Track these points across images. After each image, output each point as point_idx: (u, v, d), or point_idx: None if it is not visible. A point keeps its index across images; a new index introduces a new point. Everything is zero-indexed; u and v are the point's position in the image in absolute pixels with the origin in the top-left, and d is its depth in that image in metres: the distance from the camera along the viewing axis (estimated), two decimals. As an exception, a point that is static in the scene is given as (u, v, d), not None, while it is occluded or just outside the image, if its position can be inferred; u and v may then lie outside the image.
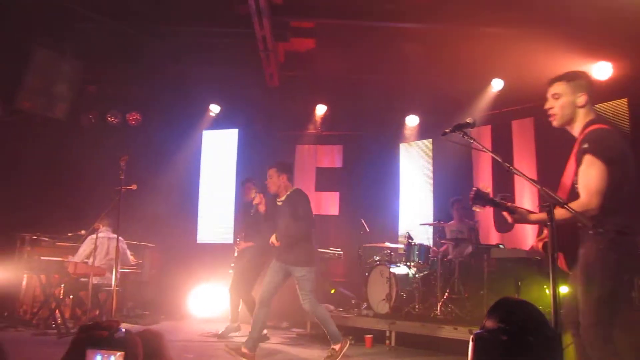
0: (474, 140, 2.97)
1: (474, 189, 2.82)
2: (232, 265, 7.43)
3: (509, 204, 2.89)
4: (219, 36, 8.24)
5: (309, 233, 5.50)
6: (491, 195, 2.85)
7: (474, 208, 2.87)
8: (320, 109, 9.52)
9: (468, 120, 2.97)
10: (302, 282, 5.37)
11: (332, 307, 7.76)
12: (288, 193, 5.57)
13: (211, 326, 7.37)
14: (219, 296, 8.23)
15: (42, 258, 6.95)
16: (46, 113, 8.21)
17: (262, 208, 5.81)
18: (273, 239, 5.52)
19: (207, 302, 8.48)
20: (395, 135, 9.60)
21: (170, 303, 8.59)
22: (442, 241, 7.68)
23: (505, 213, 2.92)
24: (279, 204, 5.63)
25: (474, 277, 6.83)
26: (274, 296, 5.48)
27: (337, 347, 5.32)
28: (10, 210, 7.77)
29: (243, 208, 7.58)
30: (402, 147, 9.72)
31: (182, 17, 7.86)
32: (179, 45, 8.48)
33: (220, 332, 6.84)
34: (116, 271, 6.58)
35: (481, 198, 2.83)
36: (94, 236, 7.22)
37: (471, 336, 1.83)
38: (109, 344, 1.20)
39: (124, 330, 1.24)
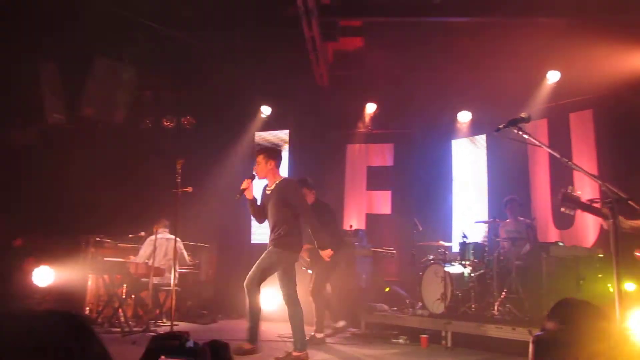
0: (530, 135, 2.89)
1: (562, 191, 2.73)
2: (304, 268, 7.29)
3: (602, 208, 2.76)
4: (267, 38, 8.34)
5: (300, 220, 5.45)
6: (581, 199, 2.74)
7: (562, 210, 2.77)
8: (370, 108, 9.48)
9: (523, 114, 2.90)
10: (284, 271, 5.34)
11: (386, 307, 7.71)
12: (277, 182, 5.49)
13: (269, 326, 7.46)
14: (274, 296, 8.33)
15: (105, 259, 7.23)
16: (107, 119, 8.54)
17: (249, 195, 5.47)
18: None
19: (263, 301, 8.57)
20: (447, 131, 9.43)
21: (227, 302, 8.76)
22: (498, 239, 7.49)
23: (600, 218, 2.79)
24: (268, 192, 5.54)
25: (533, 276, 6.63)
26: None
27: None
28: (75, 214, 8.15)
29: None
30: (455, 143, 9.54)
31: (231, 21, 8.00)
32: (230, 49, 8.63)
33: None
34: (175, 271, 6.77)
35: (571, 201, 2.73)
36: (153, 238, 7.48)
37: (531, 338, 1.78)
38: (181, 353, 1.26)
39: (192, 340, 1.30)
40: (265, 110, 9.74)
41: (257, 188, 5.59)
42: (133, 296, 7.64)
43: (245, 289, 5.34)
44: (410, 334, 6.76)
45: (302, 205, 5.45)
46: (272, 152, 5.59)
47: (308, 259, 7.15)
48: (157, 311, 7.75)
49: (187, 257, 8.15)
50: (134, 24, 7.64)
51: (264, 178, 5.55)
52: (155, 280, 7.27)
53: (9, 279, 7.52)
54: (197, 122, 9.72)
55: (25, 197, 8.08)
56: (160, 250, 7.74)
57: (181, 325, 7.55)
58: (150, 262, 7.42)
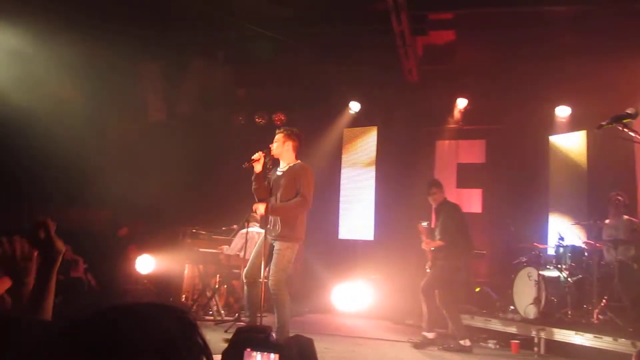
0: (637, 133, 2.68)
1: None
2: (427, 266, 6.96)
3: None
4: (356, 35, 8.35)
5: (304, 210, 5.23)
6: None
7: None
8: (461, 103, 9.20)
9: (629, 110, 2.69)
10: (278, 256, 5.11)
11: (475, 309, 7.49)
12: (291, 164, 5.31)
13: (356, 322, 7.50)
14: (361, 292, 8.37)
15: (200, 250, 7.59)
16: (202, 116, 8.95)
17: (257, 167, 5.24)
18: (258, 207, 5.19)
19: (350, 297, 8.64)
20: (544, 127, 8.94)
21: (314, 297, 8.89)
22: (597, 244, 6.98)
23: None
24: (279, 172, 5.35)
25: (638, 283, 6.15)
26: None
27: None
28: (173, 207, 8.62)
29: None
30: (552, 139, 9.04)
31: (321, 18, 8.09)
32: (319, 46, 8.73)
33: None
34: (264, 263, 6.96)
35: None
36: (244, 231, 7.73)
37: (635, 351, 1.65)
38: (266, 346, 1.25)
39: (274, 334, 1.30)
40: (354, 107, 9.73)
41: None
42: (225, 286, 7.95)
43: (274, 292, 5.09)
44: (500, 339, 6.53)
45: (305, 193, 5.18)
46: (292, 133, 5.41)
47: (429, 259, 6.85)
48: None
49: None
50: (229, 24, 7.93)
51: (277, 157, 5.38)
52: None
53: (114, 265, 8.12)
54: (287, 119, 9.92)
55: (128, 190, 8.65)
56: (252, 242, 7.97)
57: (270, 317, 7.77)
58: (242, 254, 7.69)
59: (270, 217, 5.28)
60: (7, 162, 7.86)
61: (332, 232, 9.91)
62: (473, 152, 9.61)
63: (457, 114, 9.34)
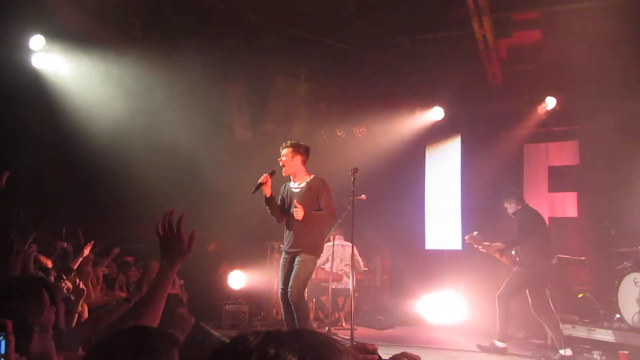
0: None
1: None
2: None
3: None
4: (436, 42, 8.43)
5: (332, 222, 5.38)
6: None
7: None
8: (550, 103, 8.99)
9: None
10: (300, 268, 5.16)
11: (576, 318, 7.30)
12: (308, 179, 5.39)
13: (446, 334, 7.52)
14: (451, 303, 8.35)
15: (289, 264, 7.87)
16: (286, 132, 9.34)
17: (267, 191, 5.31)
18: (298, 211, 5.12)
19: (439, 309, 8.63)
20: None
21: (402, 308, 8.96)
22: None
23: None
24: (295, 189, 5.40)
25: None
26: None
27: None
28: (260, 222, 9.00)
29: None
30: (653, 137, 8.65)
31: (397, 28, 8.25)
32: (397, 56, 8.88)
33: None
34: (353, 277, 7.17)
35: None
36: (330, 244, 7.97)
37: None
38: None
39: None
40: (437, 114, 9.74)
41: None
42: (314, 300, 8.20)
43: (295, 303, 5.17)
44: (605, 349, 6.35)
45: (330, 206, 5.34)
46: (299, 147, 5.46)
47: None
48: (336, 315, 8.23)
49: (361, 263, 8.54)
50: (309, 41, 8.27)
51: (289, 174, 5.46)
52: (334, 285, 7.74)
53: (208, 281, 8.58)
54: (368, 131, 10.10)
55: (216, 206, 9.12)
56: (337, 256, 8.23)
57: (359, 330, 7.93)
58: (328, 268, 7.93)
59: (290, 232, 5.41)
60: (107, 182, 8.57)
61: (418, 243, 9.96)
62: (565, 154, 9.37)
63: (545, 115, 9.15)
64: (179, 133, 8.59)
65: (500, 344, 6.45)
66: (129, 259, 8.38)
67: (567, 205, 9.27)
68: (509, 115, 9.45)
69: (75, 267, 5.54)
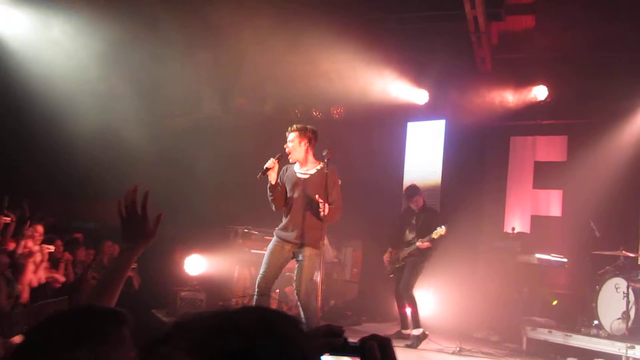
0: None
1: None
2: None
3: None
4: (422, 21, 8.32)
5: (338, 218, 5.32)
6: None
7: None
8: (540, 95, 8.97)
9: None
10: (308, 265, 5.12)
11: (552, 323, 7.35)
12: (319, 167, 5.23)
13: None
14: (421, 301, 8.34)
15: (252, 251, 7.74)
16: (258, 109, 9.16)
17: (273, 177, 5.19)
18: (326, 206, 4.99)
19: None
20: (635, 121, 8.63)
21: (372, 304, 8.92)
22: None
23: None
24: (302, 176, 5.26)
25: None
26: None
27: None
28: (224, 204, 8.84)
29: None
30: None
31: (383, 3, 8.11)
32: (382, 33, 8.74)
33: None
34: (321, 269, 7.05)
35: None
36: (300, 230, 7.87)
37: None
38: (347, 350, 1.20)
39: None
40: (421, 97, 9.66)
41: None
42: (277, 290, 8.08)
43: (305, 304, 5.15)
44: (582, 356, 6.40)
45: (339, 201, 5.25)
46: (307, 131, 5.31)
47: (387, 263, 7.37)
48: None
49: (331, 252, 8.44)
50: (287, 10, 8.07)
51: (296, 160, 5.32)
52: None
53: (162, 267, 8.39)
54: (345, 112, 9.98)
55: (175, 186, 8.94)
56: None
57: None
58: (295, 256, 7.83)
59: (294, 221, 5.24)
60: (48, 153, 8.27)
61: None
62: (553, 149, 9.36)
63: (535, 107, 9.12)
64: (137, 104, 8.34)
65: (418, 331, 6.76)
66: (78, 236, 8.16)
67: (551, 203, 9.29)
68: (496, 104, 9.40)
69: (17, 242, 5.35)
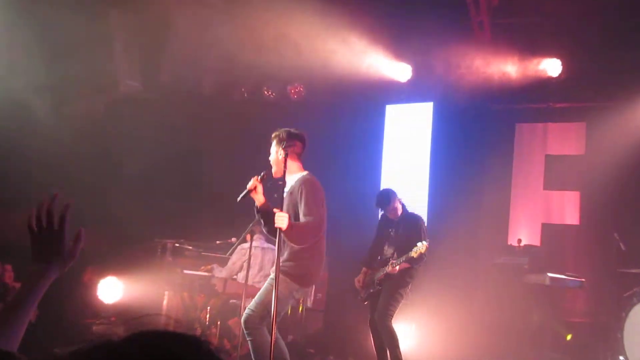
0: None
1: None
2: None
3: None
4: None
5: (316, 234, 5.28)
6: None
7: None
8: (553, 68, 9.04)
9: None
10: (268, 287, 5.31)
11: (568, 359, 7.45)
12: (295, 180, 5.41)
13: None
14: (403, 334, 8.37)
15: (185, 271, 7.64)
16: (190, 87, 9.03)
17: (258, 199, 5.29)
18: (283, 217, 5.06)
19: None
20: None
21: (340, 338, 8.89)
22: None
23: None
24: (285, 195, 5.36)
25: None
26: None
27: None
28: (151, 211, 8.69)
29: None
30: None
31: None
32: None
33: None
34: (276, 293, 6.97)
35: None
36: (245, 246, 7.76)
37: None
38: None
39: None
40: (403, 73, 9.66)
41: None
42: (219, 323, 7.98)
43: (246, 329, 5.32)
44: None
45: (311, 211, 5.25)
46: (285, 138, 5.38)
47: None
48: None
49: (290, 275, 8.38)
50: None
51: (279, 176, 5.37)
52: (249, 303, 7.55)
53: (68, 294, 8.21)
54: (307, 92, 9.93)
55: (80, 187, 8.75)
56: (255, 262, 8.04)
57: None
58: (241, 279, 7.73)
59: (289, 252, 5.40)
60: None
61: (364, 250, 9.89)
62: (568, 139, 9.50)
63: (546, 86, 9.22)
64: (32, 80, 8.15)
65: None
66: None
67: (566, 208, 9.43)
68: (497, 82, 9.46)
69: None
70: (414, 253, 6.59)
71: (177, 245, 7.97)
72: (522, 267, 8.42)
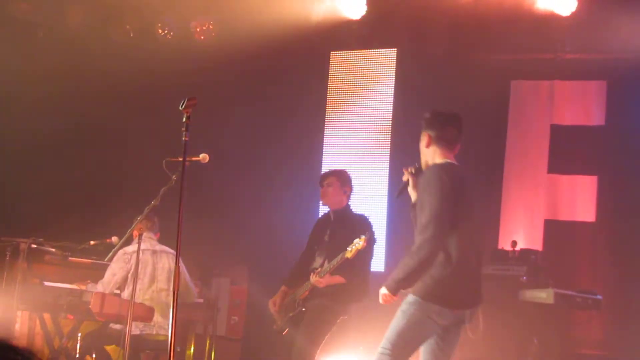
0: None
1: None
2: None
3: None
4: None
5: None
6: None
7: None
8: (561, 8, 9.17)
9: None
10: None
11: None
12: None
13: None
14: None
15: (45, 283, 7.65)
16: (53, 22, 9.03)
17: (413, 195, 5.66)
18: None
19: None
20: None
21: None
22: None
23: None
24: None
25: None
26: None
27: None
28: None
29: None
30: None
31: None
32: None
33: None
34: (174, 313, 7.09)
35: None
36: (130, 248, 7.82)
37: None
38: None
39: None
40: (355, 7, 9.80)
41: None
42: (94, 356, 8.05)
43: None
44: None
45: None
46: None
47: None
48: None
49: (193, 290, 8.48)
50: None
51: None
52: (136, 328, 7.62)
53: None
54: (217, 31, 10.00)
55: None
56: (145, 271, 8.09)
57: None
58: (126, 295, 7.81)
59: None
60: None
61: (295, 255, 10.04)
62: (581, 104, 9.71)
63: (551, 28, 9.35)
64: None
65: None
66: None
67: (579, 199, 9.59)
68: (483, 23, 9.51)
69: None
70: (349, 253, 6.62)
71: (34, 246, 7.93)
72: (518, 280, 8.55)
